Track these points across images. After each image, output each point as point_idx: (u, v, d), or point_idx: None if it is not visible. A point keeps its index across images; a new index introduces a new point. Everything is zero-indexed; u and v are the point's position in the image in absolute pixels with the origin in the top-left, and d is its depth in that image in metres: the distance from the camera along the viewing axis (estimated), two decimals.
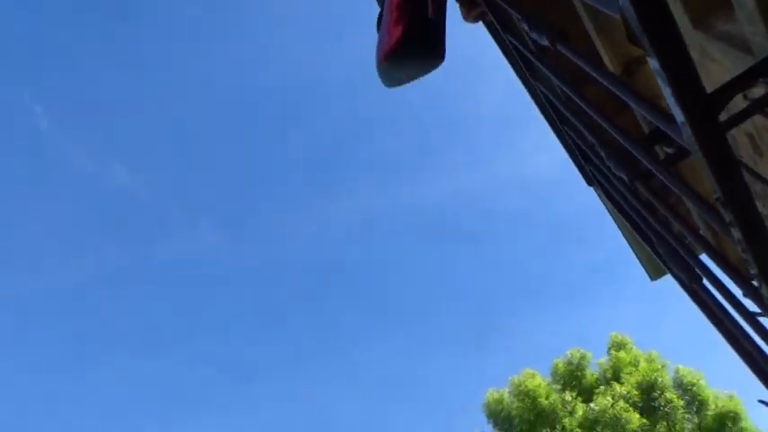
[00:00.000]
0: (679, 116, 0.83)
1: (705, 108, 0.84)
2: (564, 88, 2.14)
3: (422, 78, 1.90)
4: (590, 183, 2.87)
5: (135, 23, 26.51)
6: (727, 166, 0.89)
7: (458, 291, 29.43)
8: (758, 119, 2.88)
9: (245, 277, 30.09)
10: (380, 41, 1.77)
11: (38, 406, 26.28)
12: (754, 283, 1.23)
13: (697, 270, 1.99)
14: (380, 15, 1.77)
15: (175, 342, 28.67)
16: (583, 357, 13.68)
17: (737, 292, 2.09)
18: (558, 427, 12.14)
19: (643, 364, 12.94)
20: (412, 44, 1.73)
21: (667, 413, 11.99)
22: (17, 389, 26.81)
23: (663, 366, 12.95)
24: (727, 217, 0.97)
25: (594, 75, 1.40)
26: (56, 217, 28.22)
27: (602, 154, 1.80)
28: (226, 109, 29.23)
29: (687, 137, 0.86)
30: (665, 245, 2.08)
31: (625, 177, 1.70)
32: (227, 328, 29.55)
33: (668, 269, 2.21)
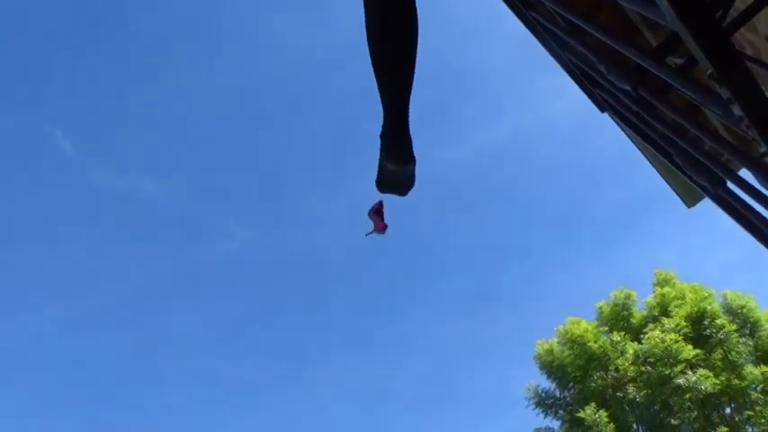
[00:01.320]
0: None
1: None
2: (566, 15, 2.10)
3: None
4: (602, 109, 2.82)
5: (130, 32, 26.71)
6: (715, 38, 0.87)
7: (494, 247, 29.44)
8: None
9: (283, 267, 30.61)
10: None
11: (112, 415, 27.30)
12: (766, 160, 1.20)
13: (719, 173, 1.96)
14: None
15: (230, 338, 29.51)
16: (627, 297, 13.53)
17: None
18: (611, 368, 12.12)
19: (689, 296, 12.77)
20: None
21: (721, 340, 11.84)
22: (90, 402, 27.91)
23: (709, 295, 12.75)
24: (725, 94, 0.95)
25: None
26: (95, 237, 29.08)
27: (603, 69, 1.76)
28: (237, 105, 29.40)
29: (669, 15, 0.85)
30: (683, 154, 2.04)
31: (629, 88, 1.67)
32: (276, 318, 30.21)
33: (691, 179, 2.17)
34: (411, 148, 1.65)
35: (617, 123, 3.47)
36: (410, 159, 1.65)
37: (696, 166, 1.87)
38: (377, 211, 2.19)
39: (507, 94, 28.48)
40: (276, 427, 27.43)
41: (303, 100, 28.55)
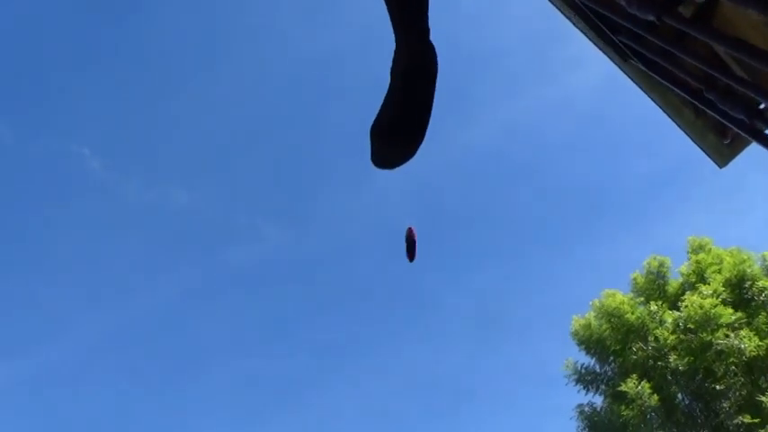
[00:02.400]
0: None
1: None
2: None
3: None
4: (624, 57, 2.70)
5: (147, 45, 27.06)
6: None
7: (524, 225, 29.22)
8: None
9: (316, 264, 30.88)
10: None
11: (156, 422, 27.85)
12: None
13: (758, 98, 1.85)
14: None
15: (269, 338, 29.84)
16: (661, 265, 13.24)
17: None
18: (650, 338, 11.88)
19: (727, 260, 12.44)
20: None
21: (763, 302, 11.52)
22: (134, 410, 28.51)
23: (748, 257, 12.41)
24: None
25: None
26: (129, 251, 29.69)
27: (623, 2, 1.67)
28: (256, 107, 29.62)
29: None
30: (715, 88, 1.93)
31: (653, 17, 1.58)
32: (313, 316, 30.44)
33: (725, 116, 2.06)
34: (433, 48, 1.41)
35: (637, 83, 3.33)
36: (427, 32, 1.41)
37: (731, 97, 1.77)
38: (411, 241, 2.22)
39: (524, 70, 28.10)
40: (317, 425, 27.67)
41: (327, 98, 28.63)
